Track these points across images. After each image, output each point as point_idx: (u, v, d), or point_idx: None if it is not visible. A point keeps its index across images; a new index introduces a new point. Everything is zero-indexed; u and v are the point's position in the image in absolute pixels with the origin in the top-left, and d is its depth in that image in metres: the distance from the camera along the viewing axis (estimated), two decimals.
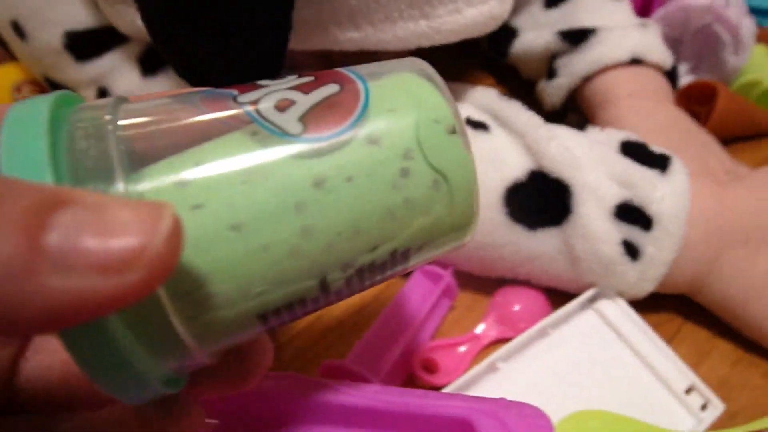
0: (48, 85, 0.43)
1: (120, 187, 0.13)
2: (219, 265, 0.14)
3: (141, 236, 0.11)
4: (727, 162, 0.43)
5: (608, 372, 0.33)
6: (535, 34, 0.50)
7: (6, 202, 0.10)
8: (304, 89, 0.16)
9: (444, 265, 0.37)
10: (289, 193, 0.15)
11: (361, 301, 0.38)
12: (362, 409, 0.23)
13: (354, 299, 0.37)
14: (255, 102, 0.16)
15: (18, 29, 0.40)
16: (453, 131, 0.17)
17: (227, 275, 0.14)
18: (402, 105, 0.17)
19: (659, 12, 0.53)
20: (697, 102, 0.50)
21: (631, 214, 0.34)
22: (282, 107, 0.16)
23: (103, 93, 0.40)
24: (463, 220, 0.17)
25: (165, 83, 0.39)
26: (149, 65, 0.39)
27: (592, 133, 0.39)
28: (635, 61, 0.45)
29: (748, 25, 0.51)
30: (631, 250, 0.34)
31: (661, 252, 0.33)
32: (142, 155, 0.14)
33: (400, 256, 0.17)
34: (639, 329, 0.34)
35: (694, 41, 0.53)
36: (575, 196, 0.34)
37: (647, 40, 0.46)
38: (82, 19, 0.39)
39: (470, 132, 0.36)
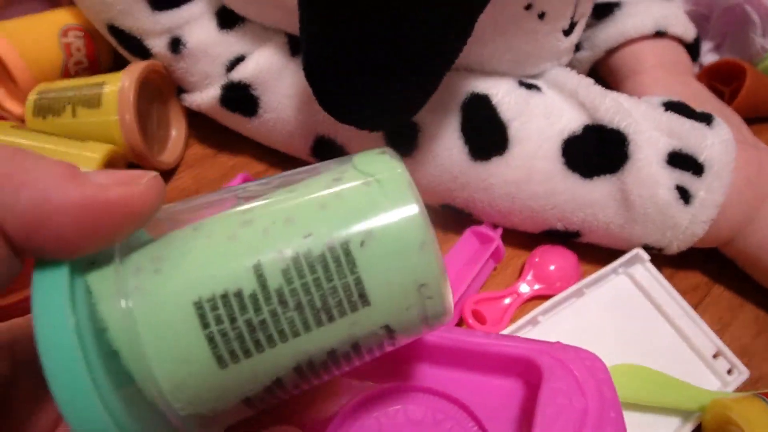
0: (110, 32, 0.41)
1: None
2: (168, 253, 0.16)
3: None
4: (748, 135, 0.45)
5: (639, 333, 0.35)
6: None
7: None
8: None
9: (494, 226, 0.39)
10: (246, 206, 0.17)
11: None
12: (431, 345, 0.24)
13: None
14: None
15: None
16: (382, 153, 0.18)
17: (174, 257, 0.16)
18: (342, 160, 0.19)
19: None
20: (720, 80, 0.51)
21: (683, 161, 0.35)
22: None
23: (175, 42, 0.39)
24: (399, 211, 0.17)
25: (240, 37, 0.38)
26: (227, 19, 0.37)
27: (633, 97, 0.40)
28: (658, 34, 0.46)
29: None
30: (684, 195, 0.35)
31: (711, 195, 0.35)
32: None
33: (340, 249, 0.16)
34: (669, 295, 0.36)
35: (721, 19, 0.53)
36: (632, 143, 0.35)
37: (670, 12, 0.47)
38: None
39: (524, 92, 0.37)
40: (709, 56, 0.55)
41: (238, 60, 0.39)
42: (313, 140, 0.39)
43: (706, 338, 0.34)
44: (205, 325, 0.15)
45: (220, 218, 0.17)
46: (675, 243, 0.37)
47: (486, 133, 0.36)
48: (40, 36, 0.46)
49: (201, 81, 0.41)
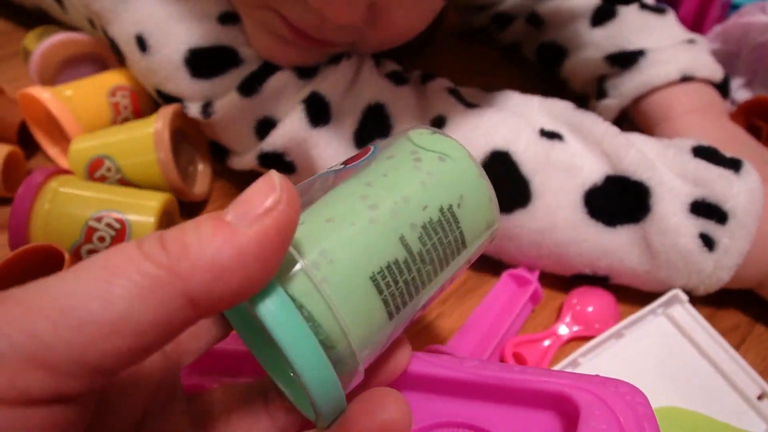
0: (157, 94, 0.44)
1: None
2: (331, 245, 0.20)
3: (272, 192, 0.17)
4: None
5: (681, 375, 0.34)
6: (584, 56, 0.51)
7: (191, 223, 0.17)
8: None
9: (531, 269, 0.39)
10: (355, 192, 0.22)
11: (455, 296, 0.40)
12: (469, 382, 0.25)
13: (446, 295, 0.39)
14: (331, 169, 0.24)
15: (141, 43, 0.40)
16: (434, 132, 0.25)
17: (340, 247, 0.20)
18: (398, 139, 0.25)
19: (717, 28, 0.54)
20: (757, 116, 0.50)
21: (706, 209, 0.35)
22: (332, 166, 0.24)
23: (206, 107, 0.41)
24: (476, 177, 0.24)
25: (261, 103, 0.40)
26: (248, 88, 0.39)
27: (663, 140, 0.40)
28: (685, 79, 0.46)
29: None
30: (708, 242, 0.35)
31: (736, 243, 0.35)
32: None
33: (447, 213, 0.23)
34: (709, 336, 0.35)
35: (751, 57, 0.53)
36: (654, 195, 0.36)
37: (695, 57, 0.47)
38: (205, 36, 0.40)
39: (545, 143, 0.37)
40: (740, 92, 0.55)
41: (264, 122, 0.40)
42: None
43: (749, 379, 0.33)
44: (380, 291, 0.21)
45: (345, 206, 0.22)
46: (701, 287, 0.37)
47: (508, 189, 0.37)
48: (91, 98, 0.49)
49: (235, 143, 0.43)
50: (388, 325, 0.21)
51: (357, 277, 0.20)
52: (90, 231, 0.39)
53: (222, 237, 0.16)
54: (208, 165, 0.48)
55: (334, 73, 0.39)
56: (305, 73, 0.40)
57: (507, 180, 0.37)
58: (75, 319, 0.14)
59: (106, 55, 0.53)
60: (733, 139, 0.45)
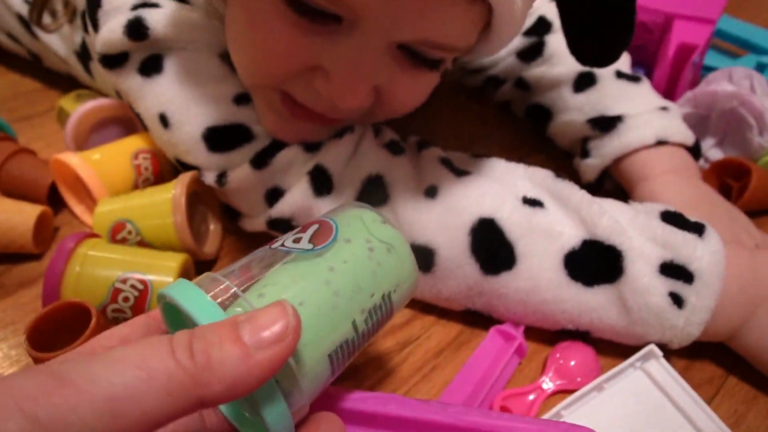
0: (178, 164, 0.47)
1: (249, 305, 0.25)
2: (303, 328, 0.23)
3: (283, 319, 0.21)
4: (755, 233, 0.47)
5: (657, 428, 0.36)
6: (568, 118, 0.55)
7: (215, 336, 0.20)
8: (303, 230, 0.29)
9: (516, 325, 0.41)
10: (321, 276, 0.27)
11: (449, 349, 0.43)
12: (451, 426, 0.31)
13: (440, 348, 0.41)
14: (283, 243, 0.28)
15: (164, 120, 0.44)
16: (384, 222, 0.30)
17: (310, 332, 0.25)
18: (353, 220, 0.30)
19: (688, 94, 0.57)
20: (728, 175, 0.53)
21: (674, 270, 0.38)
22: (297, 240, 0.28)
23: (220, 177, 0.44)
24: (411, 267, 0.31)
25: (271, 175, 0.43)
26: (260, 162, 0.43)
27: (635, 205, 0.43)
28: (660, 143, 0.50)
29: None
30: (677, 300, 0.38)
31: (702, 301, 0.38)
32: (245, 286, 0.26)
33: (387, 298, 0.29)
34: (683, 389, 0.37)
35: (720, 120, 0.57)
36: (626, 258, 0.38)
37: (669, 123, 0.51)
38: (221, 115, 0.43)
39: (528, 210, 0.40)
40: (712, 151, 0.58)
41: (274, 191, 0.44)
42: None
43: (712, 425, 0.36)
44: (332, 363, 0.26)
45: (313, 291, 0.26)
46: (675, 341, 0.39)
47: (494, 253, 0.40)
48: (116, 161, 0.52)
49: (246, 208, 0.46)
50: (330, 379, 0.27)
51: (319, 356, 0.25)
52: (116, 292, 0.41)
53: (239, 357, 0.20)
54: (219, 225, 0.51)
55: (337, 147, 0.43)
56: (311, 147, 0.43)
57: (493, 245, 0.40)
58: (115, 411, 0.18)
59: (132, 117, 0.56)
60: (704, 198, 0.48)
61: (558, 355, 0.41)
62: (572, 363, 0.40)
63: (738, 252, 0.40)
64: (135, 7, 0.43)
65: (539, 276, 0.39)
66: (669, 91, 0.60)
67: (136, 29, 0.42)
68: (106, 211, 0.48)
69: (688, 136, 0.51)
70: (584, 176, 0.54)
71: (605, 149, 0.52)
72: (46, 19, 0.56)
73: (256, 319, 0.21)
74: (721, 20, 0.75)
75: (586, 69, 0.55)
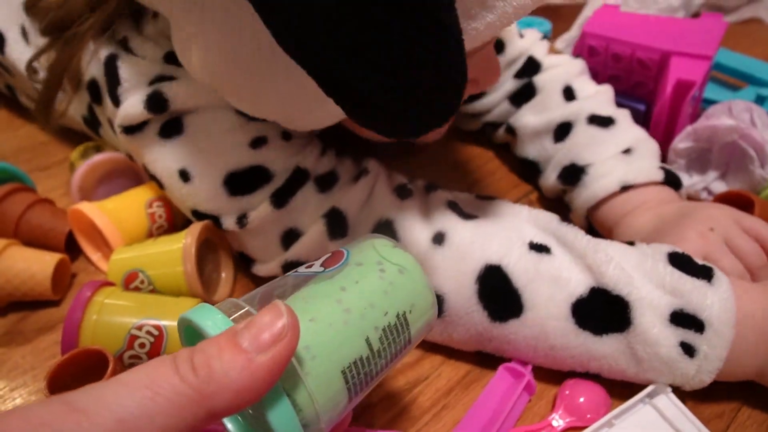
0: (193, 215, 0.49)
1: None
2: (314, 342, 0.26)
3: (279, 318, 0.23)
4: (739, 222, 0.47)
5: None
6: (549, 173, 0.56)
7: (214, 348, 0.22)
8: (316, 259, 0.31)
9: (524, 363, 0.42)
10: (332, 295, 0.28)
11: (459, 387, 0.44)
12: None
13: (450, 387, 0.42)
14: (297, 270, 0.31)
15: (184, 175, 0.46)
16: (395, 246, 0.32)
17: (321, 345, 0.26)
18: (365, 247, 0.32)
19: (688, 129, 0.59)
20: (734, 205, 0.54)
21: (685, 320, 0.38)
22: (309, 266, 0.31)
23: (241, 218, 0.46)
24: (425, 289, 0.31)
25: (288, 214, 0.45)
26: (280, 200, 0.45)
27: (641, 246, 0.43)
28: (625, 187, 0.51)
29: None
30: (688, 350, 0.38)
31: (714, 350, 0.38)
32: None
33: (402, 318, 0.29)
34: (692, 424, 0.38)
35: (721, 154, 0.58)
36: (633, 309, 0.39)
37: (631, 166, 0.51)
38: (240, 160, 0.45)
39: (534, 256, 0.41)
40: (715, 184, 0.59)
41: (290, 233, 0.46)
42: None
43: None
44: (347, 381, 0.27)
45: (324, 308, 0.27)
46: (687, 386, 0.40)
47: (501, 301, 0.41)
48: (131, 210, 0.54)
49: (261, 253, 0.48)
50: (349, 404, 0.28)
51: (332, 370, 0.26)
52: (132, 339, 0.43)
53: (240, 364, 0.21)
54: (230, 272, 0.53)
55: (353, 191, 0.45)
56: (324, 187, 0.45)
57: (500, 292, 0.41)
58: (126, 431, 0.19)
59: (137, 168, 0.58)
60: (665, 225, 0.48)
61: (567, 392, 0.41)
62: (581, 399, 0.40)
63: (747, 290, 0.40)
64: (153, 82, 0.45)
65: (547, 324, 0.40)
66: (669, 126, 0.62)
67: (157, 103, 0.44)
68: (120, 259, 0.50)
69: (654, 174, 0.51)
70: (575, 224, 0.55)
71: (578, 202, 0.53)
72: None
73: (253, 324, 0.23)
74: (719, 53, 0.76)
75: (566, 116, 0.56)
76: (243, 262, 0.51)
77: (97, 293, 0.45)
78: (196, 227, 0.48)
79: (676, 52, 0.62)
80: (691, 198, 0.60)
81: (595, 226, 0.54)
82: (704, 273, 0.40)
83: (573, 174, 0.54)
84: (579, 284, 0.40)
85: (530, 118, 0.59)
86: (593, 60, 0.68)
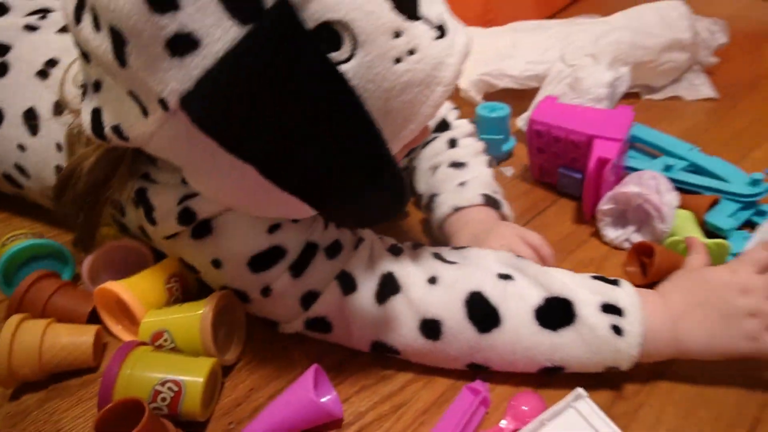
0: (220, 288, 0.62)
1: None
2: None
3: None
4: (518, 231, 0.69)
5: None
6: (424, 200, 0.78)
7: None
8: None
9: (483, 382, 0.56)
10: None
11: (434, 406, 0.56)
12: None
13: (426, 407, 0.55)
14: None
15: (216, 263, 0.58)
16: None
17: None
18: None
19: (608, 194, 0.75)
20: (643, 254, 0.69)
21: (610, 308, 0.55)
22: None
23: (265, 290, 0.59)
24: None
25: (307, 280, 0.58)
26: (298, 268, 0.58)
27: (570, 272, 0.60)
28: (457, 209, 0.71)
29: (669, 203, 0.71)
30: (617, 330, 0.54)
31: (634, 327, 0.53)
32: None
33: None
34: (603, 422, 0.51)
35: (634, 213, 0.74)
36: (576, 307, 0.55)
37: (462, 195, 0.72)
38: (260, 244, 0.57)
39: (503, 282, 0.57)
40: (634, 236, 0.74)
41: (309, 295, 0.59)
42: (370, 344, 0.60)
43: None
44: None
45: None
46: (623, 363, 0.54)
47: (484, 317, 0.56)
48: (152, 285, 0.66)
49: (283, 316, 0.61)
50: None
51: None
52: (156, 393, 0.54)
53: None
54: (242, 335, 0.65)
55: (357, 255, 0.60)
56: (332, 254, 0.59)
57: (483, 311, 0.56)
58: None
59: (137, 248, 0.72)
60: (478, 225, 0.70)
61: (514, 403, 0.54)
62: (525, 408, 0.53)
63: (646, 293, 0.57)
64: (181, 201, 0.56)
65: (519, 329, 0.55)
66: (596, 192, 0.77)
67: (187, 218, 0.56)
68: (150, 321, 0.61)
69: (474, 200, 0.71)
70: (435, 241, 0.76)
71: (433, 221, 0.75)
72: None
73: None
74: (641, 129, 0.95)
75: (436, 162, 0.77)
76: (268, 325, 0.63)
77: (132, 351, 0.56)
78: (214, 297, 0.60)
79: (597, 136, 0.78)
80: (615, 248, 0.75)
81: (444, 238, 0.73)
82: (613, 281, 0.57)
83: (431, 201, 0.75)
84: (536, 297, 0.56)
85: (424, 162, 0.80)
86: (540, 140, 0.85)
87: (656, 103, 1.16)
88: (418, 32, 0.45)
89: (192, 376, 0.55)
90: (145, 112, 0.45)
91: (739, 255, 0.62)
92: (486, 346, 0.56)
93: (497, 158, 0.97)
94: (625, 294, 0.55)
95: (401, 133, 0.48)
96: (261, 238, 0.58)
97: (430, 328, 0.56)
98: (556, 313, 0.55)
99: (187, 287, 0.69)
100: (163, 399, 0.54)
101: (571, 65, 1.02)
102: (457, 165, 0.76)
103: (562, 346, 0.55)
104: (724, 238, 0.72)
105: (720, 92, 1.17)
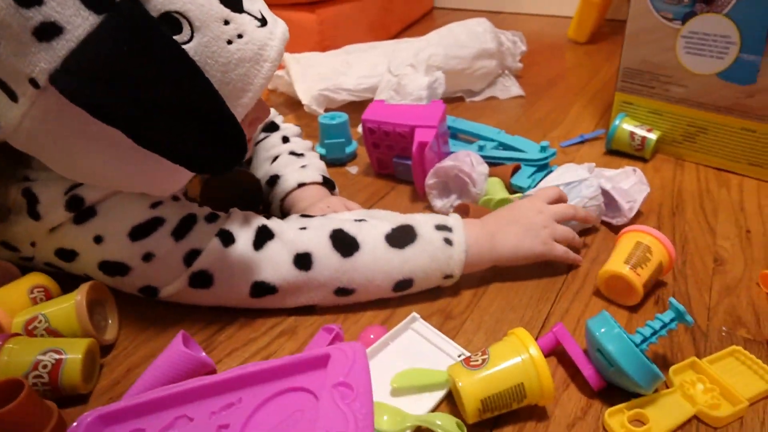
0: (100, 268, 0.68)
1: None
2: None
3: None
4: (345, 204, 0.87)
5: (423, 355, 0.61)
6: (262, 173, 0.92)
7: None
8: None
9: (335, 325, 0.66)
10: None
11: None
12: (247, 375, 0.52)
13: (285, 353, 0.64)
14: None
15: (98, 239, 0.66)
16: None
17: None
18: None
19: (431, 171, 0.89)
20: (463, 213, 0.84)
21: (441, 227, 0.71)
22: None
23: (147, 256, 0.66)
24: None
25: (188, 242, 0.67)
26: (179, 234, 0.67)
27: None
28: (301, 185, 0.86)
29: (480, 171, 0.87)
30: (448, 241, 0.70)
31: (460, 237, 0.70)
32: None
33: None
34: (441, 337, 0.64)
35: (454, 183, 0.89)
36: (417, 228, 0.70)
37: (304, 174, 0.87)
38: (143, 216, 0.66)
39: (358, 222, 0.71)
40: (456, 202, 0.89)
41: (191, 252, 0.66)
42: (250, 287, 0.68)
43: (455, 349, 0.62)
44: None
45: None
46: (456, 269, 0.70)
47: (346, 245, 0.68)
48: (15, 294, 0.69)
49: (164, 278, 0.67)
50: None
51: None
52: (37, 362, 0.58)
53: None
54: (115, 320, 0.71)
55: (232, 216, 0.71)
56: (212, 220, 0.69)
57: (344, 240, 0.68)
58: None
59: (12, 268, 0.74)
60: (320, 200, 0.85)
61: (363, 334, 0.65)
62: (372, 336, 0.64)
63: (467, 219, 0.75)
64: (69, 191, 0.64)
65: (375, 251, 0.68)
66: (421, 170, 0.92)
67: (75, 204, 0.64)
68: (22, 315, 0.65)
69: (315, 177, 0.88)
70: (273, 212, 0.88)
71: (276, 195, 0.87)
72: None
73: None
74: (460, 122, 1.12)
75: (278, 152, 0.92)
76: (148, 295, 0.69)
77: (8, 340, 0.60)
78: (85, 285, 0.66)
79: (417, 126, 0.93)
80: (444, 214, 0.89)
81: (285, 210, 0.86)
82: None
83: (274, 180, 0.89)
84: (386, 227, 0.70)
85: (262, 153, 0.94)
86: (373, 136, 0.99)
87: (477, 104, 1.37)
88: (244, 21, 0.58)
89: (72, 350, 0.60)
90: (13, 98, 0.52)
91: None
92: (349, 268, 0.68)
93: (342, 160, 1.10)
94: (452, 219, 0.73)
95: (241, 100, 0.59)
96: (142, 211, 0.66)
97: (303, 260, 0.67)
98: (402, 235, 0.69)
99: (52, 297, 0.72)
100: (45, 366, 0.58)
101: (396, 75, 1.19)
102: (296, 154, 0.92)
103: (409, 260, 0.68)
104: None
105: (526, 91, 1.40)
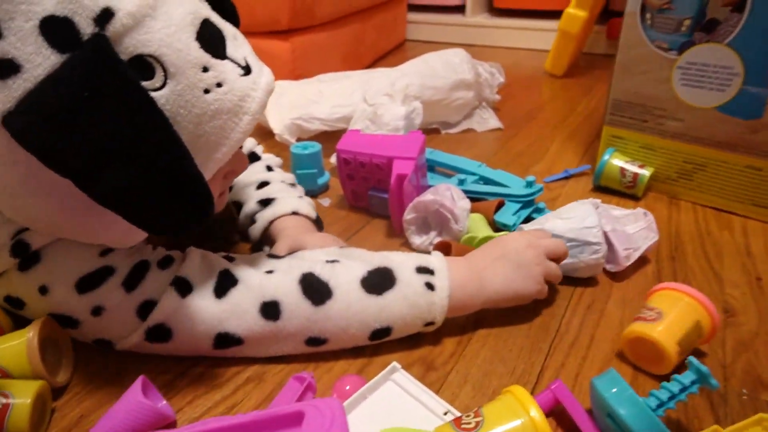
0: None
1: None
2: None
3: None
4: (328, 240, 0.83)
5: (404, 412, 0.57)
6: (249, 203, 0.87)
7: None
8: None
9: (307, 373, 0.61)
10: None
11: (264, 402, 0.60)
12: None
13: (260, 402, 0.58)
14: None
15: (43, 290, 0.61)
16: None
17: None
18: None
19: (410, 205, 0.86)
20: (444, 251, 0.80)
21: (423, 270, 0.66)
22: None
23: (96, 310, 0.61)
24: None
25: (141, 293, 0.61)
26: (130, 284, 0.61)
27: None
28: (294, 213, 0.83)
29: (462, 207, 0.84)
30: (430, 287, 0.65)
31: (443, 282, 0.65)
32: None
33: None
34: (421, 389, 0.59)
35: (434, 218, 0.85)
36: (396, 272, 0.65)
37: (300, 204, 0.85)
38: (91, 265, 0.61)
39: (330, 265, 0.65)
40: (436, 239, 0.85)
41: (145, 304, 0.61)
42: (213, 339, 0.63)
43: (439, 405, 0.58)
44: None
45: None
46: (438, 316, 0.65)
47: (317, 292, 0.63)
48: None
49: (118, 331, 0.62)
50: None
51: None
52: None
53: None
54: (70, 360, 0.65)
55: (188, 261, 0.64)
56: (165, 266, 0.63)
57: (315, 286, 0.63)
58: None
59: None
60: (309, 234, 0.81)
61: (338, 384, 0.60)
62: (348, 387, 0.59)
63: (455, 260, 0.70)
64: (14, 235, 0.59)
65: (349, 297, 0.63)
66: (399, 204, 0.88)
67: (20, 250, 0.59)
68: None
69: (310, 212, 0.86)
70: (252, 237, 0.85)
71: (264, 216, 0.83)
72: None
73: None
74: (439, 155, 1.09)
75: (265, 178, 0.90)
76: (103, 348, 0.64)
77: None
78: (38, 322, 0.61)
79: (395, 157, 0.90)
80: (423, 252, 0.85)
81: (272, 236, 0.82)
82: (426, 254, 0.69)
83: (267, 202, 0.85)
84: (361, 270, 0.65)
85: (242, 178, 0.90)
86: (348, 167, 0.95)
87: (453, 136, 1.35)
88: (225, 69, 0.54)
89: (20, 394, 0.55)
90: None
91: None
92: (322, 317, 0.63)
93: (314, 192, 1.06)
94: (435, 259, 0.68)
95: (214, 155, 0.55)
96: (90, 260, 0.61)
97: (270, 309, 0.62)
98: (379, 279, 0.64)
99: (4, 332, 0.67)
100: None
101: (371, 104, 1.16)
102: (290, 185, 0.91)
103: (387, 307, 0.63)
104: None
105: (504, 123, 1.39)
